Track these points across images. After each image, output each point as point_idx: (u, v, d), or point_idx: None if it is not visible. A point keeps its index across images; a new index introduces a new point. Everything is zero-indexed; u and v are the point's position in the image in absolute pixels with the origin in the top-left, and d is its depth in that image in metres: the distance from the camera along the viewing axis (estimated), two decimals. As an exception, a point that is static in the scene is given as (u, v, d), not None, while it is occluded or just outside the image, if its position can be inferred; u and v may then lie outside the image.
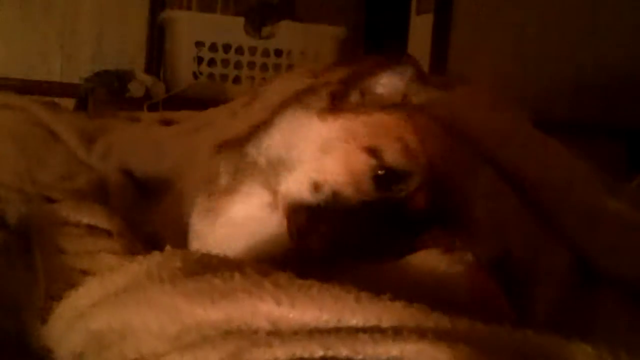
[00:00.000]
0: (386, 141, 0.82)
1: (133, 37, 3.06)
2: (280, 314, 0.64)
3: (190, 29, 2.81)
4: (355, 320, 0.63)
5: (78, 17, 3.06)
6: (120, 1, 3.08)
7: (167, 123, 1.47)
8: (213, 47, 2.83)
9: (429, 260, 0.75)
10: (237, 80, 2.86)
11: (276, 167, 0.86)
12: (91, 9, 3.06)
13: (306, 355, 0.59)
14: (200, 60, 2.83)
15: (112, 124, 1.48)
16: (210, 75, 2.83)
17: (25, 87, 2.81)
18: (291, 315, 0.64)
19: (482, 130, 1.03)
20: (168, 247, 0.76)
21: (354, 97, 0.85)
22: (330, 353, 0.59)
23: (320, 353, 0.59)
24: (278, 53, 2.91)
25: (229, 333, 0.63)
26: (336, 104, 0.84)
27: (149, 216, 1.15)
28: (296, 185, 0.83)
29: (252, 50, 2.87)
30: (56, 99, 2.19)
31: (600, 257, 1.14)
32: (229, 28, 2.88)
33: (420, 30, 3.65)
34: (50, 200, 1.10)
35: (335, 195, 0.81)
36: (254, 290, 0.66)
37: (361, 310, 0.63)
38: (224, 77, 2.86)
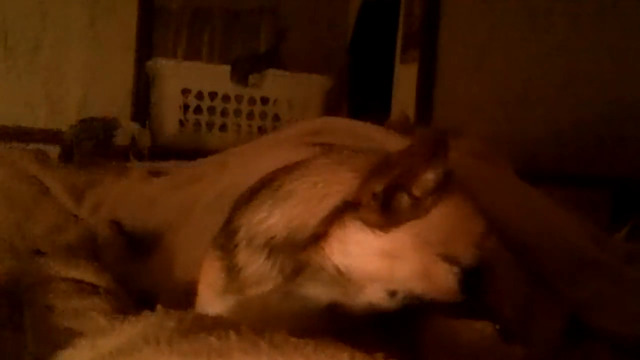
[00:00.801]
0: (459, 244, 0.80)
1: (119, 85, 3.07)
2: (276, 374, 0.64)
3: (176, 77, 2.83)
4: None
5: (65, 64, 3.07)
6: (108, 49, 3.10)
7: (156, 174, 1.47)
8: (199, 95, 2.85)
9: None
10: (223, 127, 2.88)
11: (338, 278, 0.83)
12: (78, 57, 3.07)
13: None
14: (186, 107, 2.85)
15: (101, 177, 1.48)
16: (197, 123, 2.85)
17: (10, 135, 2.81)
18: (287, 376, 0.64)
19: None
20: (159, 307, 0.75)
21: (403, 201, 0.79)
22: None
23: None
24: (264, 101, 2.93)
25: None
26: (387, 214, 0.79)
27: (138, 271, 1.14)
28: (374, 294, 0.81)
29: (239, 99, 2.89)
30: (41, 146, 2.19)
31: (588, 310, 1.15)
32: (215, 76, 2.91)
33: (404, 80, 3.70)
34: (40, 253, 1.09)
35: (414, 297, 0.79)
36: (250, 349, 0.66)
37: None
38: (210, 125, 2.87)
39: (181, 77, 2.84)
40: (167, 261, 1.15)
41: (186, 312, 0.75)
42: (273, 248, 0.83)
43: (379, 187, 0.79)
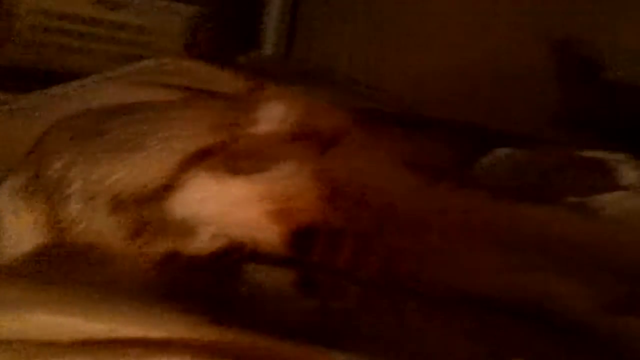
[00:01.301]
0: (292, 205, 0.82)
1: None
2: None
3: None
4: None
5: None
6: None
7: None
8: (60, 17, 2.73)
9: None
10: (79, 51, 2.79)
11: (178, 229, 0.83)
12: None
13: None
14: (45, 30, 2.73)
15: None
16: (61, 47, 2.74)
17: None
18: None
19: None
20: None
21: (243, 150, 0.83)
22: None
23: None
24: (122, 27, 2.85)
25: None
26: (232, 162, 0.83)
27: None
28: (204, 236, 0.82)
29: (97, 23, 2.80)
30: None
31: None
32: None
33: (274, 10, 3.68)
34: None
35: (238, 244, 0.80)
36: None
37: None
38: (66, 48, 2.77)
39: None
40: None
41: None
42: (117, 205, 0.83)
43: (227, 137, 0.82)
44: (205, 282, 0.80)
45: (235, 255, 0.80)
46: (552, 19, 3.65)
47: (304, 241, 0.82)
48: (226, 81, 1.44)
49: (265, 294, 0.79)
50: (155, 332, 0.65)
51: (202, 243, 0.80)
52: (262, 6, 3.79)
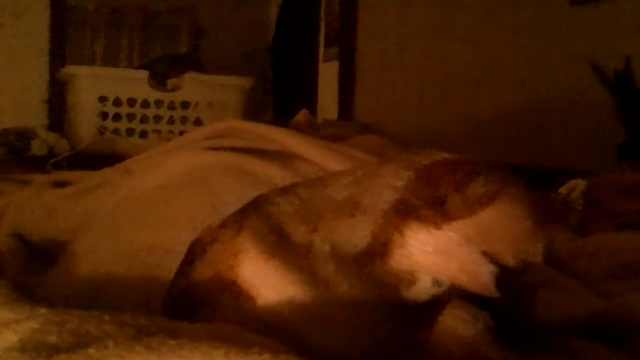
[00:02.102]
0: (500, 245, 0.85)
1: (33, 93, 3.03)
2: (151, 375, 0.66)
3: (92, 83, 2.80)
4: (223, 376, 0.65)
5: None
6: (18, 57, 3.05)
7: (61, 185, 1.47)
8: (117, 102, 2.83)
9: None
10: (143, 134, 2.87)
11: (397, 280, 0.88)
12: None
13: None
14: (105, 115, 2.83)
15: (4, 187, 1.47)
16: (116, 131, 2.83)
17: None
18: (162, 376, 0.66)
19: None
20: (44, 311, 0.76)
21: (455, 202, 0.85)
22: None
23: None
24: (185, 105, 2.93)
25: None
26: (441, 212, 0.84)
27: (41, 281, 1.14)
28: (423, 284, 0.84)
29: (158, 104, 2.88)
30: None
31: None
32: (133, 81, 2.89)
33: (326, 77, 3.75)
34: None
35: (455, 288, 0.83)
36: (126, 355, 0.68)
37: (228, 366, 0.65)
38: (130, 132, 2.85)
39: (97, 84, 2.81)
40: (69, 270, 1.15)
41: (70, 317, 0.76)
42: (342, 259, 0.87)
43: (433, 190, 0.84)
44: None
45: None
46: (610, 51, 3.62)
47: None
48: (284, 139, 1.46)
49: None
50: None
51: (423, 289, 0.82)
52: (314, 72, 3.87)
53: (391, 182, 0.88)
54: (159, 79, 2.92)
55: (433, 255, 0.83)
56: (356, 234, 0.85)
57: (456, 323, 0.82)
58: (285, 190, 0.96)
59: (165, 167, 1.40)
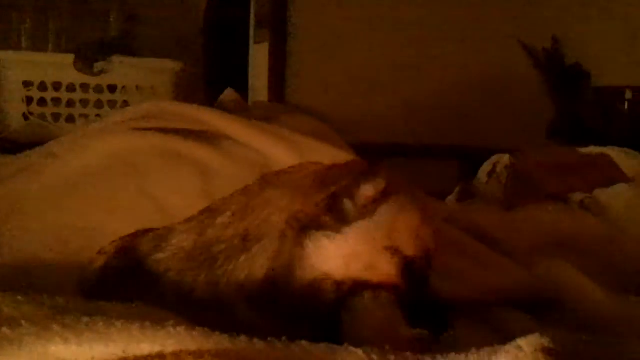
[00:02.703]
0: (400, 238, 0.89)
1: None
2: (68, 352, 0.66)
3: (16, 68, 2.73)
4: (140, 349, 0.65)
5: None
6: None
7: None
8: (42, 86, 2.77)
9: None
10: (70, 119, 2.81)
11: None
12: None
13: (88, 389, 0.61)
14: (30, 100, 2.76)
15: None
16: (42, 116, 2.77)
17: None
18: (80, 352, 0.66)
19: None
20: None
21: (349, 206, 0.88)
22: (111, 384, 0.61)
23: (101, 385, 0.61)
24: (112, 89, 2.88)
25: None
26: (337, 216, 0.87)
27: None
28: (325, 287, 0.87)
29: (85, 87, 2.83)
30: None
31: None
32: (59, 66, 2.83)
33: (258, 60, 3.73)
34: None
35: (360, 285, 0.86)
36: (42, 334, 0.67)
37: (146, 339, 0.66)
38: (57, 116, 2.80)
39: (22, 69, 2.74)
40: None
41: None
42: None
43: (324, 198, 0.88)
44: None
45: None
46: (538, 30, 3.69)
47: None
48: (211, 120, 1.46)
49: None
50: (170, 346, 0.64)
51: (329, 293, 0.86)
52: (247, 55, 3.85)
53: (277, 204, 0.90)
54: (85, 63, 2.87)
55: (339, 259, 0.86)
56: (255, 265, 0.87)
57: (370, 305, 0.85)
58: (165, 237, 0.97)
59: (90, 149, 1.38)
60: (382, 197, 0.88)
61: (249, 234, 0.89)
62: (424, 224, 0.91)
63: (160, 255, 0.93)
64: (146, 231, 1.00)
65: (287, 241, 0.87)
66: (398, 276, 0.87)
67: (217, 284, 0.87)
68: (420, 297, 0.89)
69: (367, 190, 0.88)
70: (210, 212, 0.97)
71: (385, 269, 0.87)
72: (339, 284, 0.85)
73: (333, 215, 0.87)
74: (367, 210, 0.88)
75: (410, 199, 0.91)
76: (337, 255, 0.86)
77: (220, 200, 0.98)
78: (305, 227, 0.87)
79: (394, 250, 0.88)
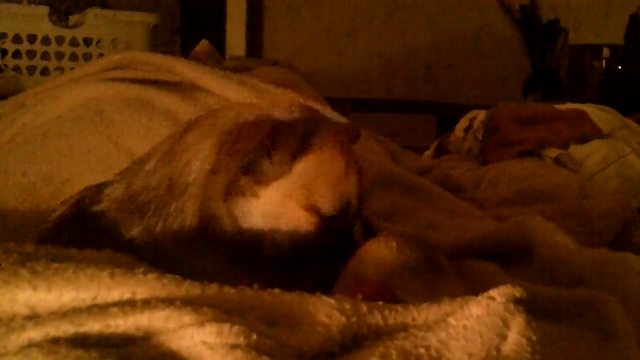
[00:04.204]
0: (318, 194, 0.88)
1: None
2: (37, 298, 0.65)
3: (-12, 20, 2.67)
4: (110, 296, 0.65)
5: None
6: None
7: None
8: (17, 39, 2.71)
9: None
10: (45, 71, 2.76)
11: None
12: None
13: (58, 333, 0.61)
14: (4, 52, 2.71)
15: None
16: (16, 68, 2.72)
17: None
18: (49, 299, 0.65)
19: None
20: None
21: (265, 165, 0.86)
22: (82, 329, 0.61)
23: (72, 331, 0.61)
24: (87, 42, 2.83)
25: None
26: (254, 177, 0.86)
27: None
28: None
29: (60, 40, 2.77)
30: None
31: (379, 217, 1.25)
32: (34, 18, 2.77)
33: (235, 14, 3.68)
34: None
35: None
36: (11, 280, 0.67)
37: (116, 286, 0.65)
38: (32, 69, 2.75)
39: (-6, 20, 2.68)
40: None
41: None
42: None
43: (236, 161, 0.86)
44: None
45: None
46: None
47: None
48: (184, 70, 1.44)
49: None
50: (140, 293, 0.64)
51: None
52: (222, 9, 3.80)
53: (197, 150, 0.89)
54: (60, 15, 2.81)
55: (259, 219, 0.86)
56: (185, 215, 0.87)
57: (379, 248, 0.87)
58: (102, 188, 0.97)
59: (61, 99, 1.36)
60: (300, 153, 0.87)
61: (173, 183, 0.89)
62: (347, 173, 0.90)
63: (98, 207, 0.93)
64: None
65: (211, 195, 0.87)
66: (316, 235, 0.87)
67: (153, 234, 0.87)
68: (343, 248, 0.89)
69: (283, 147, 0.86)
70: (140, 160, 0.97)
71: (304, 229, 0.87)
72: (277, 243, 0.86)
73: (251, 176, 0.86)
74: (283, 169, 0.87)
75: (333, 150, 0.90)
76: (258, 216, 0.86)
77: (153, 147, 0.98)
78: (226, 189, 0.87)
79: (311, 208, 0.87)
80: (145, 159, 0.95)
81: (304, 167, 0.87)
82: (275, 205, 0.86)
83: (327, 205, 0.88)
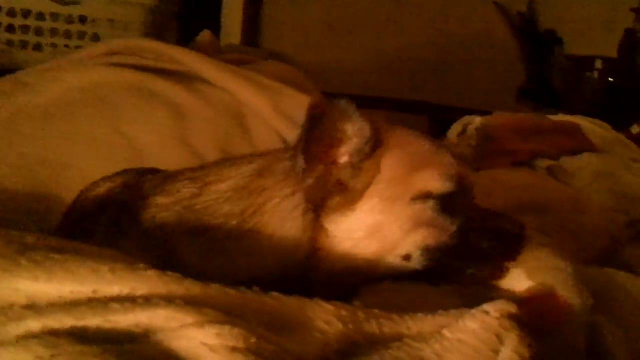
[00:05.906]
0: (422, 179, 0.83)
1: None
2: (37, 288, 0.65)
3: (-15, -7, 2.65)
4: (110, 290, 0.65)
5: None
6: None
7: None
8: (11, 12, 2.68)
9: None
10: (38, 47, 2.74)
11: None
12: None
13: (57, 326, 0.61)
14: (-2, 26, 2.68)
15: None
16: (9, 42, 2.69)
17: None
18: (49, 289, 0.65)
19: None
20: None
21: (347, 175, 0.82)
22: (81, 323, 0.61)
23: (71, 323, 0.61)
24: (83, 20, 2.81)
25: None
26: (343, 192, 0.82)
27: None
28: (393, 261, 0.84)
29: (54, 17, 2.75)
30: None
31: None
32: (30, -7, 2.74)
33: (233, 2, 3.67)
34: None
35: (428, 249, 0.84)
36: (11, 269, 0.66)
37: (116, 281, 0.65)
38: (24, 44, 2.72)
39: (-9, -6, 2.66)
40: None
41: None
42: None
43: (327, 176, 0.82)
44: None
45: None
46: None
47: None
48: (186, 60, 1.43)
49: None
50: (140, 290, 0.64)
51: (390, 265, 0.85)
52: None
53: (273, 190, 0.84)
54: (57, -9, 2.78)
55: (370, 235, 0.82)
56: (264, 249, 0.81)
57: None
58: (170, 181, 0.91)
59: (64, 81, 1.35)
60: (374, 144, 0.82)
61: (246, 218, 0.82)
62: (440, 148, 0.85)
63: (162, 200, 0.88)
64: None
65: (304, 226, 0.82)
66: (442, 217, 0.82)
67: (214, 258, 0.82)
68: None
69: (361, 156, 0.82)
70: (203, 171, 0.91)
71: (429, 218, 0.82)
72: (406, 257, 0.82)
73: (342, 196, 0.82)
74: (367, 167, 0.82)
75: (404, 129, 0.86)
76: (362, 229, 0.82)
77: (212, 163, 0.93)
78: (316, 211, 0.82)
79: (424, 196, 0.82)
80: (210, 176, 0.89)
81: (389, 157, 0.83)
82: (378, 213, 0.82)
83: (436, 184, 0.82)
